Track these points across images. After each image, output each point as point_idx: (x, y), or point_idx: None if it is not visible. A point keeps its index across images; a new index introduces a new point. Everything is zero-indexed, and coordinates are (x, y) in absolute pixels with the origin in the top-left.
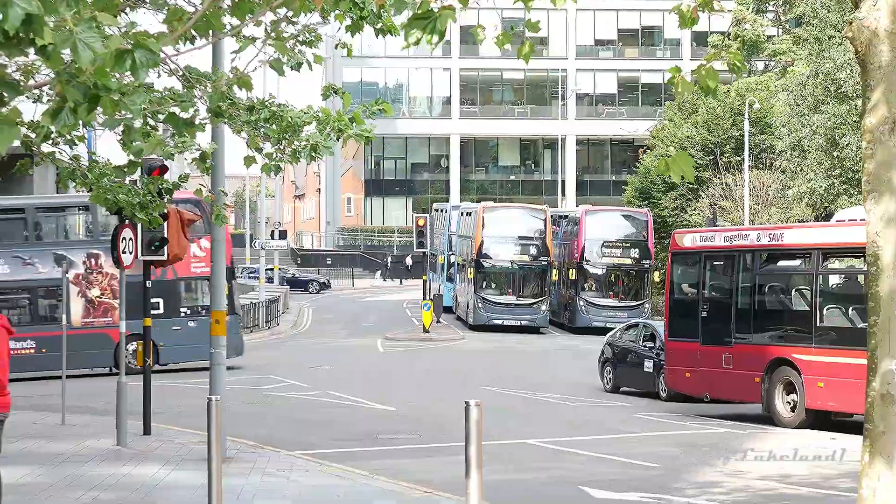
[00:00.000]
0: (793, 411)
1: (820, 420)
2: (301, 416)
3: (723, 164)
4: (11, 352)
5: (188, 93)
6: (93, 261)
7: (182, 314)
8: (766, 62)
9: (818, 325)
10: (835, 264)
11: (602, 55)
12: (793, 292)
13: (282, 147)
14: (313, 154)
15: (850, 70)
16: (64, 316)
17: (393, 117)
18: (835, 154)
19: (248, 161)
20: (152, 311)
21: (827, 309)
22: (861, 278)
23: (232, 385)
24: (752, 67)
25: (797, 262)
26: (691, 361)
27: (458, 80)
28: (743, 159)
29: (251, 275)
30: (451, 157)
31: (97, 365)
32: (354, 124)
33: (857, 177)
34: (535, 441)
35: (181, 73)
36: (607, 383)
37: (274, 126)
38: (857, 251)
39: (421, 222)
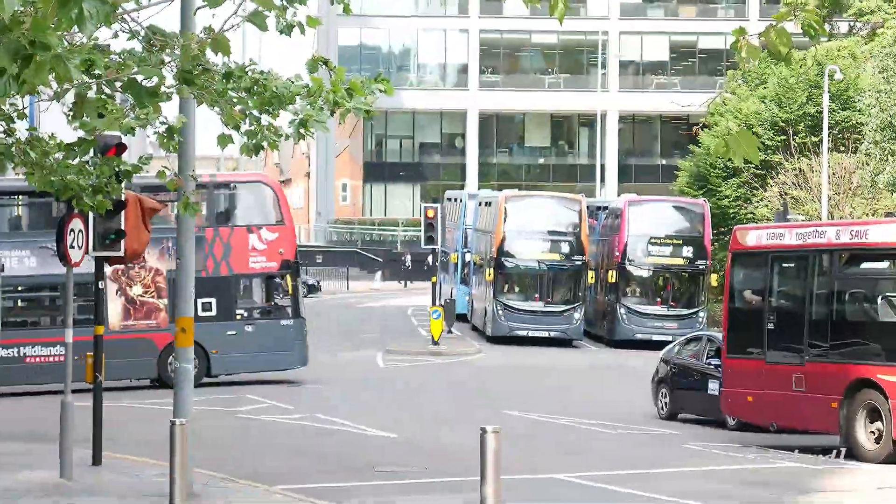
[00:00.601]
0: (878, 443)
1: None
2: (283, 443)
3: (796, 146)
4: (37, 359)
5: (152, 56)
6: None
7: (238, 317)
8: (851, 23)
9: None
10: None
11: (651, 14)
12: (879, 300)
13: (260, 125)
14: (302, 131)
15: None
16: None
17: (399, 88)
18: None
19: (223, 140)
20: (204, 313)
21: None
22: None
23: (201, 406)
24: (832, 29)
25: (885, 265)
26: (754, 383)
27: (478, 44)
28: (821, 140)
29: None
30: (467, 136)
31: (138, 375)
32: (352, 96)
33: None
34: (565, 476)
35: (143, 33)
36: (662, 408)
37: (255, 98)
38: None
39: (431, 214)
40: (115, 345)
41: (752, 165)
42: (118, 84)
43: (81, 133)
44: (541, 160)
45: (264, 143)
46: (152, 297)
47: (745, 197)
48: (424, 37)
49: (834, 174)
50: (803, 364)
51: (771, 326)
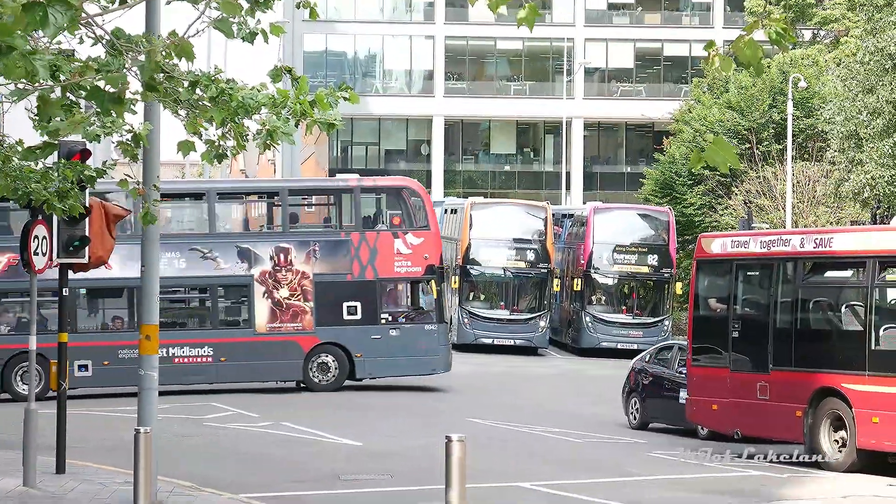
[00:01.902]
0: (841, 451)
1: (874, 462)
2: (248, 451)
3: (760, 154)
4: (186, 360)
5: (115, 61)
6: (282, 256)
7: (383, 321)
8: (815, 31)
9: (873, 348)
10: (894, 276)
11: (617, 21)
12: (843, 309)
13: (228, 131)
14: (268, 142)
15: None
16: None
17: (364, 94)
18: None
19: (185, 147)
20: (349, 317)
21: (885, 329)
22: None
23: (166, 414)
24: (797, 38)
25: (849, 273)
26: (719, 391)
27: (444, 51)
28: (785, 148)
29: None
30: (433, 142)
31: (285, 377)
32: (317, 109)
33: None
34: (529, 484)
35: (107, 38)
36: (633, 418)
37: (221, 108)
38: None
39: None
40: (262, 347)
41: (718, 173)
42: (82, 91)
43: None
44: (506, 167)
45: (227, 153)
46: (298, 300)
47: (709, 205)
48: (390, 43)
49: (798, 182)
50: (768, 372)
51: (735, 335)
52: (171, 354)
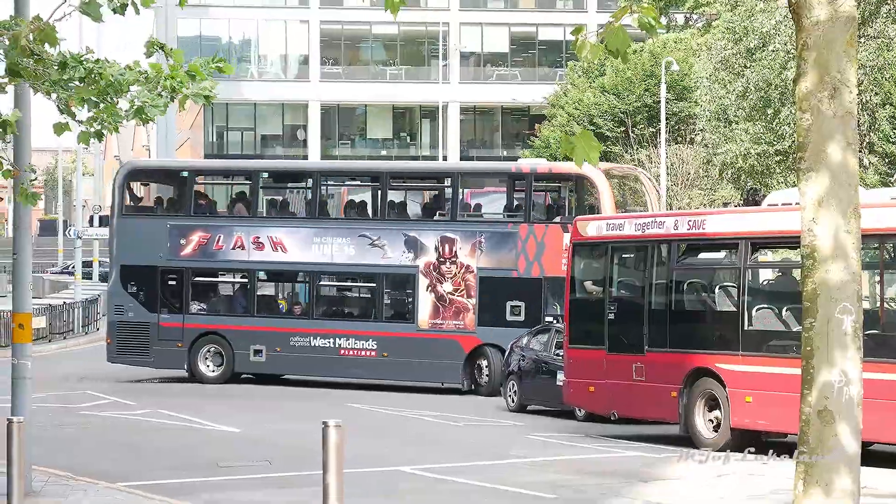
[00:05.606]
0: (716, 431)
1: (748, 441)
2: (125, 439)
3: (635, 137)
4: (351, 352)
5: None
6: (447, 247)
7: (547, 323)
8: (687, 15)
9: (746, 328)
10: (766, 257)
11: (491, 6)
12: (716, 290)
13: (101, 110)
14: (140, 117)
15: (785, 27)
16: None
17: (240, 80)
18: (764, 119)
19: (59, 129)
20: (512, 318)
21: (756, 310)
22: (796, 273)
23: (41, 403)
24: (669, 22)
25: (721, 255)
26: (595, 373)
27: (319, 35)
28: (658, 131)
29: (65, 270)
30: (309, 127)
31: (443, 379)
32: (192, 82)
33: (793, 150)
34: (409, 468)
35: None
36: (511, 400)
37: (91, 87)
38: (792, 241)
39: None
40: (424, 344)
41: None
42: None
43: None
44: (383, 152)
45: (104, 131)
46: (461, 295)
47: None
48: (265, 28)
49: (672, 165)
50: (643, 354)
51: (611, 316)
52: (337, 345)
